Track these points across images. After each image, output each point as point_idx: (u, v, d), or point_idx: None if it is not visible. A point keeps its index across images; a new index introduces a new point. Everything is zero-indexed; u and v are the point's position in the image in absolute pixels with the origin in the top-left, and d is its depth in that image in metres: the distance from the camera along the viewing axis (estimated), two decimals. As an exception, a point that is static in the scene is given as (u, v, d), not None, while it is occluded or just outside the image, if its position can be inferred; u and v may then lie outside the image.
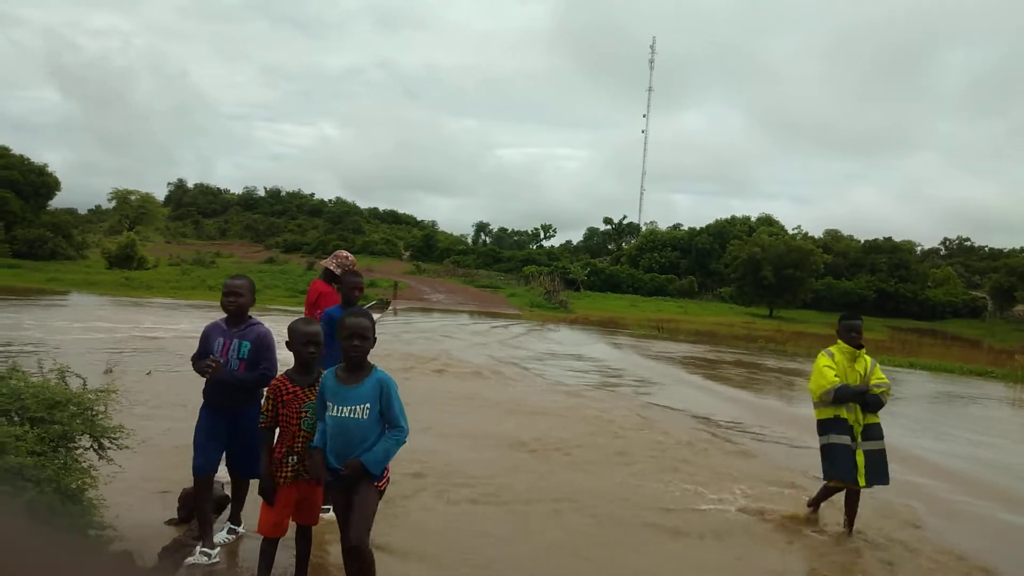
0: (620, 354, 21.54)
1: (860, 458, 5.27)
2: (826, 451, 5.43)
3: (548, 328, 31.16)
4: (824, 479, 5.54)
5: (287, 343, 3.75)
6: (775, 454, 8.54)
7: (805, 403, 13.31)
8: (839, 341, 5.56)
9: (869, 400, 5.33)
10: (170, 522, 4.76)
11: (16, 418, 3.52)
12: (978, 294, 69.98)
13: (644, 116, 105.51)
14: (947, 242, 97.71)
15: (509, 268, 70.29)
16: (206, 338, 4.28)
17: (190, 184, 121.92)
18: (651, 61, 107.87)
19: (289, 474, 3.57)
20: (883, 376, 5.49)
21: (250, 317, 4.28)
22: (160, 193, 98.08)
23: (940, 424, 12.41)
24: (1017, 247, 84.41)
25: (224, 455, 4.32)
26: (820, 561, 5.01)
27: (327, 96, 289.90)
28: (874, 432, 5.38)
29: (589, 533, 5.21)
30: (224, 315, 4.30)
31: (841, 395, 5.29)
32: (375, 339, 3.52)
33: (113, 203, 64.77)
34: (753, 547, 5.17)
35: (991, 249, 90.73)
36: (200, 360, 4.24)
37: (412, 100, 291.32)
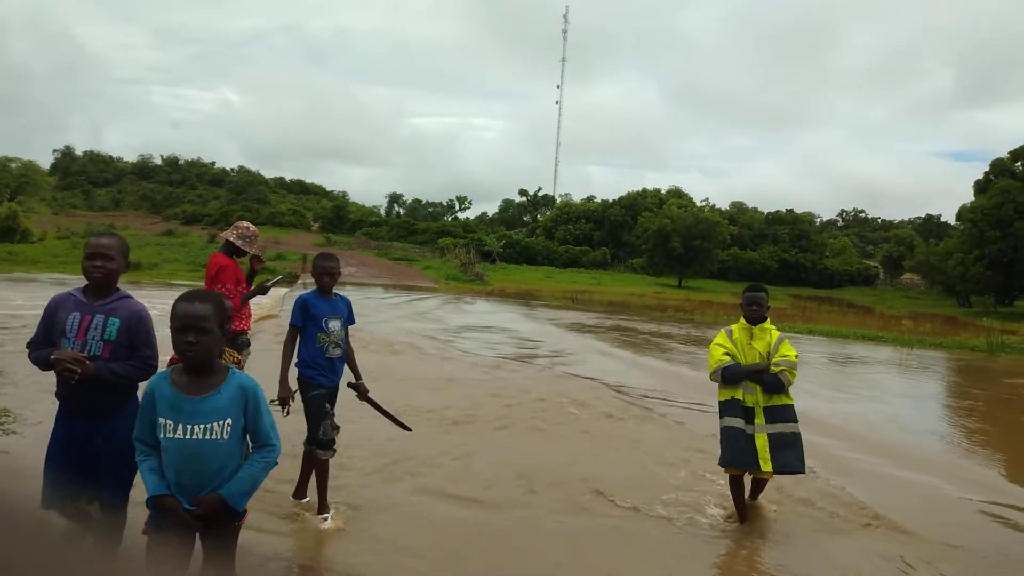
0: (536, 326, 21.72)
1: (761, 442, 4.71)
2: (720, 435, 4.93)
3: (464, 301, 31.11)
4: (719, 464, 5.02)
5: None
6: (685, 420, 8.78)
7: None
8: (741, 317, 5.04)
9: (765, 380, 4.74)
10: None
11: None
12: (871, 263, 74.45)
13: (558, 87, 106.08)
14: (844, 214, 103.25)
15: (424, 240, 69.63)
16: (52, 314, 3.15)
17: (79, 151, 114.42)
18: (564, 32, 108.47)
19: None
20: (791, 352, 4.84)
21: (118, 289, 3.25)
22: (45, 161, 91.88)
23: (834, 385, 13.12)
24: (906, 219, 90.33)
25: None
26: (721, 520, 5.15)
27: (229, 60, 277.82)
28: (780, 414, 4.79)
29: (502, 510, 5.19)
30: (81, 284, 3.26)
31: (729, 375, 4.78)
32: (226, 330, 2.70)
33: (-9, 171, 60.02)
34: (655, 515, 5.28)
35: (883, 220, 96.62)
36: (45, 349, 3.10)
37: (320, 66, 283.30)
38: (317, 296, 4.66)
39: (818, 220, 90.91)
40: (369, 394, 4.90)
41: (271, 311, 17.67)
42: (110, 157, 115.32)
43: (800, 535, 4.97)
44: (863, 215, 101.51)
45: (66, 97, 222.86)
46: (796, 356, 4.85)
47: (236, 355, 3.70)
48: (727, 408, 4.84)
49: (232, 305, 5.48)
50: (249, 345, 5.80)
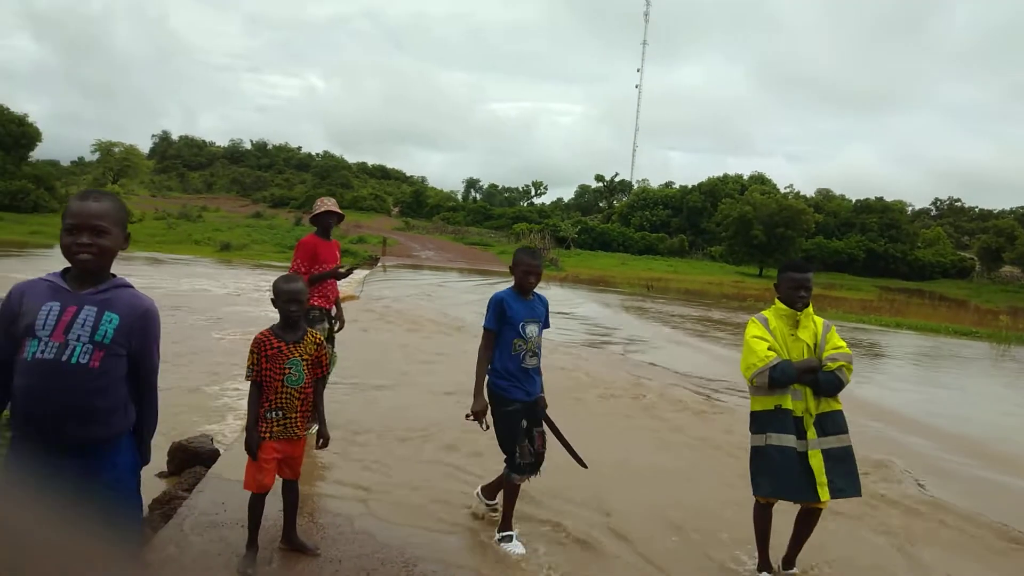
0: (610, 312, 21.62)
1: (817, 461, 3.66)
2: (758, 456, 3.78)
3: (539, 287, 31.22)
4: (755, 495, 3.83)
5: (272, 300, 3.68)
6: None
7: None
8: (776, 301, 3.94)
9: (821, 380, 3.70)
10: (160, 475, 4.79)
11: None
12: (966, 255, 70.53)
13: (638, 71, 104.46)
14: (938, 202, 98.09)
15: (499, 225, 70.15)
16: (15, 303, 2.21)
17: (175, 136, 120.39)
18: (646, 14, 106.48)
19: (275, 429, 3.55)
20: (842, 343, 3.82)
21: (113, 275, 2.31)
22: (144, 145, 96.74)
23: (921, 381, 12.58)
24: (1007, 208, 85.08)
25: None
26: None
27: (313, 47, 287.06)
28: (834, 424, 3.75)
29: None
30: (58, 269, 2.29)
31: (779, 375, 3.65)
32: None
33: (96, 155, 63.87)
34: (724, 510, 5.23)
35: (981, 210, 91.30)
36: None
37: (400, 51, 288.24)
38: (515, 296, 4.12)
39: (910, 209, 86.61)
40: (547, 411, 4.24)
41: (352, 293, 18.21)
42: (203, 142, 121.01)
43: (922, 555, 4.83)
44: (959, 204, 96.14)
45: (162, 83, 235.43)
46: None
47: (318, 335, 3.81)
48: (771, 421, 3.73)
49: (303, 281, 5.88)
50: (324, 321, 5.94)
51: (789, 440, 3.67)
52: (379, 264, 31.68)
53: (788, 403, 3.70)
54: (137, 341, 2.27)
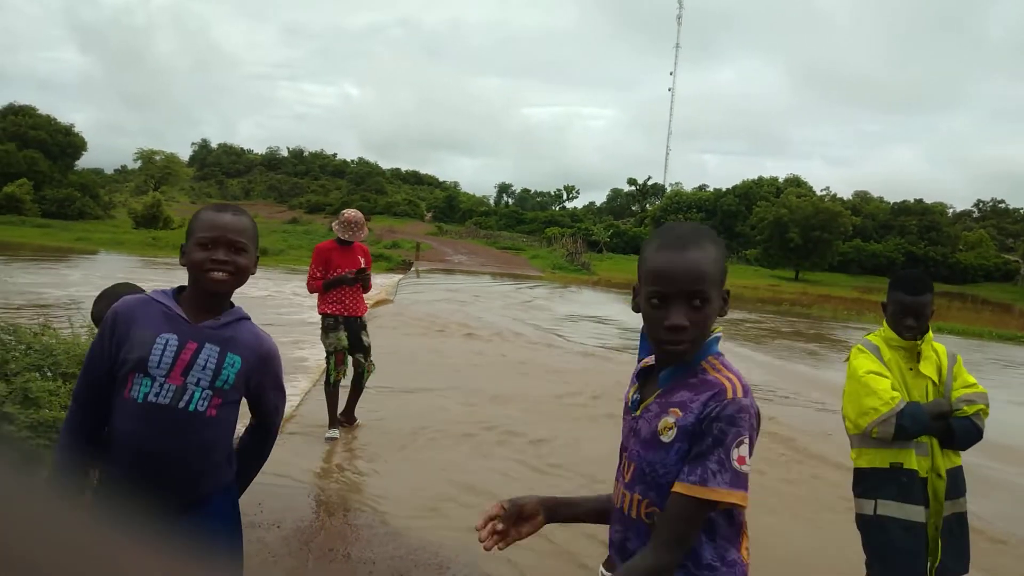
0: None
1: (934, 532, 2.74)
2: (872, 531, 2.82)
3: (570, 290, 31.16)
4: None
5: None
6: (799, 420, 8.52)
7: (831, 366, 13.23)
8: (883, 325, 2.98)
9: (955, 428, 2.74)
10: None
11: (49, 373, 3.61)
12: (1011, 257, 68.64)
13: (671, 74, 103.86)
14: (980, 204, 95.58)
15: (531, 230, 70.17)
16: (124, 329, 1.86)
17: (214, 144, 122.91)
18: (678, 17, 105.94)
19: None
20: (973, 380, 2.88)
21: (231, 303, 2.01)
22: (184, 153, 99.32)
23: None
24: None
25: None
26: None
27: (349, 55, 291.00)
28: (959, 484, 2.83)
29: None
30: (162, 285, 2.05)
31: (911, 424, 2.68)
32: None
33: (138, 163, 65.68)
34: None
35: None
36: (92, 414, 1.90)
37: (434, 58, 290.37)
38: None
39: (951, 211, 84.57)
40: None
41: (386, 296, 18.42)
42: (241, 149, 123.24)
43: None
44: (1003, 205, 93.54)
45: (202, 93, 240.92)
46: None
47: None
48: (885, 484, 2.78)
49: (315, 287, 5.91)
50: (339, 329, 5.93)
51: (917, 513, 2.71)
52: (412, 269, 32.05)
53: (912, 462, 2.74)
54: (255, 383, 1.99)
